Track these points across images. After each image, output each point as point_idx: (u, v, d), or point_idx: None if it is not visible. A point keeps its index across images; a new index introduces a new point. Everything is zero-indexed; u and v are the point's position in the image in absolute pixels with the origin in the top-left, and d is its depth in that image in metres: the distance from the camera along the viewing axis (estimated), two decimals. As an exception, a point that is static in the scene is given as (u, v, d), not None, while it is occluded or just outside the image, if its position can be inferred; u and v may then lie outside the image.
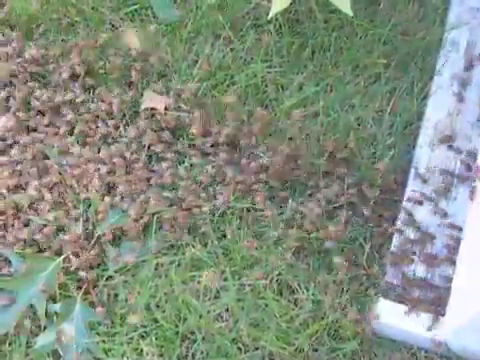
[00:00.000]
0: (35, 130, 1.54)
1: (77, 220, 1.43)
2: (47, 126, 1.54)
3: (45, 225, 1.43)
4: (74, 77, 1.58)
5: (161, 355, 1.33)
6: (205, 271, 1.38)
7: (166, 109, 1.52)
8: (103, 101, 1.55)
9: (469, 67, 1.56)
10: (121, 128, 1.53)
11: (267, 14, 1.45)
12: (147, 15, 1.67)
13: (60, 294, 1.39)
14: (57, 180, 1.47)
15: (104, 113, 1.54)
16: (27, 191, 1.47)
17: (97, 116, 1.55)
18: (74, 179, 1.47)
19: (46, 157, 1.51)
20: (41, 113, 1.56)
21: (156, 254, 1.41)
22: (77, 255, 1.41)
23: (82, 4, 1.68)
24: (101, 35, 1.62)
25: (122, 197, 1.45)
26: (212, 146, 1.50)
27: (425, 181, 1.44)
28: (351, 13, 1.38)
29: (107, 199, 1.44)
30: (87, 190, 1.45)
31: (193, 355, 1.34)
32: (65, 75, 1.57)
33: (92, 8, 1.68)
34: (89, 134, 1.53)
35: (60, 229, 1.44)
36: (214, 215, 1.44)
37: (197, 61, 1.60)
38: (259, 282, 1.37)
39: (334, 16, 1.63)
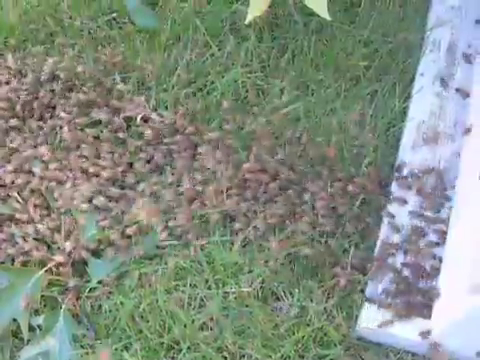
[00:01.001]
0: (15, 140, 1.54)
1: (59, 232, 1.42)
2: (27, 137, 1.53)
3: (27, 238, 1.41)
4: (53, 86, 1.57)
5: (146, 366, 1.32)
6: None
7: (146, 117, 1.51)
8: (83, 111, 1.55)
9: (451, 66, 1.55)
10: (101, 138, 1.51)
11: (246, 19, 1.44)
12: (125, 23, 1.67)
13: (44, 306, 1.38)
14: (39, 192, 1.46)
15: (84, 123, 1.53)
16: (8, 203, 1.45)
17: (81, 129, 1.54)
18: (56, 190, 1.45)
19: (29, 168, 1.50)
20: (23, 123, 1.55)
21: (139, 264, 1.39)
22: (60, 267, 1.39)
23: (60, 14, 1.67)
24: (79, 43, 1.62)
25: (103, 208, 1.43)
26: (193, 154, 1.49)
27: (409, 183, 1.42)
28: (328, 17, 1.37)
29: (88, 210, 1.43)
30: (68, 201, 1.44)
31: (178, 365, 1.33)
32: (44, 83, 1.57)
33: (70, 17, 1.67)
34: (70, 145, 1.51)
35: (42, 241, 1.42)
36: (197, 222, 1.42)
37: (176, 68, 1.59)
38: (243, 290, 1.35)
39: (313, 19, 1.62)
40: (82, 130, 1.53)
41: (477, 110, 1.43)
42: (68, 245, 1.40)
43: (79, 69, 1.59)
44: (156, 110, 1.53)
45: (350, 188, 1.43)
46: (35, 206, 1.45)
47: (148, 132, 1.51)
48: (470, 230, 1.28)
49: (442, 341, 1.25)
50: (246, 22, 1.42)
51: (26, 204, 1.45)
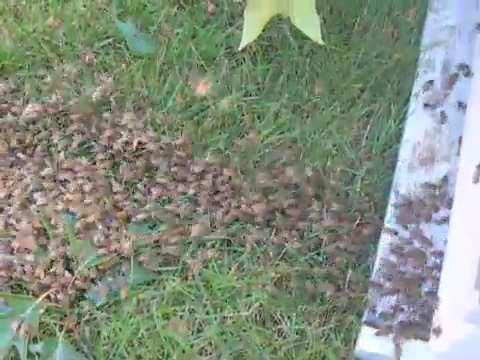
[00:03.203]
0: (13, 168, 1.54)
1: (57, 259, 1.42)
2: (24, 164, 1.54)
3: (25, 265, 1.41)
4: (49, 111, 1.58)
5: (145, 392, 1.32)
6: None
7: (142, 142, 1.52)
8: (79, 137, 1.55)
9: (445, 86, 1.56)
10: (98, 164, 1.52)
11: (240, 45, 1.45)
12: (120, 48, 1.67)
13: (43, 333, 1.38)
14: (37, 219, 1.46)
15: (81, 150, 1.54)
16: (7, 230, 1.46)
17: (77, 156, 1.54)
18: (54, 218, 1.45)
19: (27, 195, 1.50)
20: (20, 150, 1.56)
21: (137, 289, 1.39)
22: (58, 294, 1.39)
23: (56, 40, 1.68)
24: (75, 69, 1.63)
25: (101, 234, 1.43)
26: (191, 178, 1.49)
27: (406, 204, 1.43)
28: (322, 42, 1.38)
29: (86, 237, 1.43)
30: (66, 229, 1.44)
31: (177, 391, 1.33)
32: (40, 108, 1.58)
33: (66, 43, 1.68)
34: (67, 172, 1.52)
35: (41, 268, 1.42)
36: (194, 247, 1.42)
37: (172, 92, 1.60)
38: (241, 314, 1.35)
39: (308, 42, 1.62)
40: (79, 156, 1.54)
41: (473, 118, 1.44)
42: (66, 272, 1.40)
43: (75, 94, 1.59)
44: (152, 135, 1.53)
45: (347, 210, 1.43)
46: (33, 233, 1.45)
47: (144, 157, 1.51)
48: (468, 252, 1.28)
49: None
50: (240, 48, 1.43)
51: (24, 231, 1.45)
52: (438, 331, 1.26)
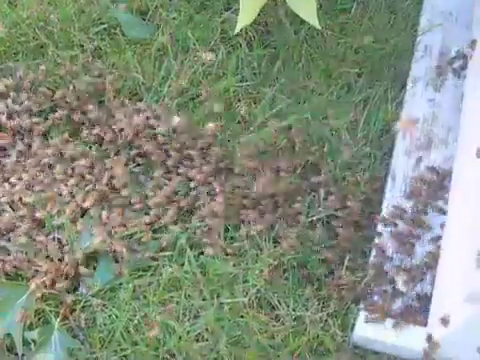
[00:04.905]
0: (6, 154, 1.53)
1: (52, 246, 1.41)
2: (20, 151, 1.53)
3: (19, 251, 1.40)
4: (44, 99, 1.57)
5: (141, 379, 1.32)
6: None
7: (139, 128, 1.51)
8: (75, 124, 1.54)
9: (442, 71, 1.55)
10: (94, 151, 1.51)
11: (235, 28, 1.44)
12: (116, 34, 1.66)
13: (38, 320, 1.37)
14: (32, 205, 1.45)
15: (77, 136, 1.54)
16: (1, 216, 1.45)
17: (73, 142, 1.54)
18: (49, 204, 1.45)
19: (22, 182, 1.49)
20: (13, 134, 1.55)
21: (133, 276, 1.38)
22: (53, 280, 1.38)
23: (51, 26, 1.67)
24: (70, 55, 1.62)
25: (96, 220, 1.43)
26: (187, 163, 1.48)
27: (404, 189, 1.42)
28: (318, 25, 1.37)
29: (80, 223, 1.42)
30: (60, 214, 1.43)
31: (174, 377, 1.32)
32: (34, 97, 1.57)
33: (61, 29, 1.67)
34: (64, 159, 1.51)
35: (36, 255, 1.41)
36: (190, 233, 1.42)
37: (168, 78, 1.59)
38: (238, 300, 1.35)
39: (304, 27, 1.61)
40: (74, 143, 1.53)
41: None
42: (62, 258, 1.40)
43: (70, 81, 1.58)
44: (148, 120, 1.52)
45: (343, 195, 1.43)
46: (29, 219, 1.44)
47: (140, 143, 1.50)
48: (465, 236, 1.27)
49: (437, 349, 1.24)
50: (235, 32, 1.42)
51: (19, 217, 1.44)
52: (437, 315, 1.25)
